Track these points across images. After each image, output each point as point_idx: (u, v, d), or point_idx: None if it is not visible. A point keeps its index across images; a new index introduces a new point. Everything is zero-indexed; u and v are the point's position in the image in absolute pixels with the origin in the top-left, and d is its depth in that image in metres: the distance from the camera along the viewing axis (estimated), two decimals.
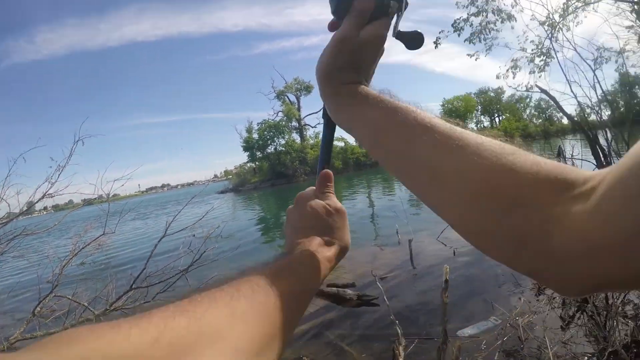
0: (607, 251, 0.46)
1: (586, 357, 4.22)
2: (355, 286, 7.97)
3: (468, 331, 5.21)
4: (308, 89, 72.78)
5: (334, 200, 1.07)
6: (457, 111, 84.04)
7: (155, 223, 28.14)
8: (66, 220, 8.49)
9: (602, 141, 6.43)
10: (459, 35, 13.60)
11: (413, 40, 0.89)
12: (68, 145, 7.19)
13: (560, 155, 6.83)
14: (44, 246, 10.22)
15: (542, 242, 0.52)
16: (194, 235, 8.78)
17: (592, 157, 6.49)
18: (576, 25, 11.36)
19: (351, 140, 70.52)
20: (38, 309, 7.17)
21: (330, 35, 0.87)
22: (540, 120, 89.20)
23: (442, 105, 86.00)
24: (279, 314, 0.60)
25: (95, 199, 8.45)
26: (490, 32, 13.36)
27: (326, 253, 0.89)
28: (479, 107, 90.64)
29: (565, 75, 7.16)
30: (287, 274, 0.74)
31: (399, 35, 0.88)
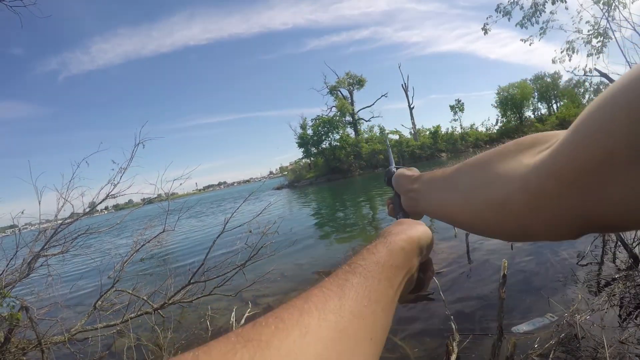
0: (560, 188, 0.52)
1: None
2: None
3: (523, 327, 5.12)
4: (360, 83, 72.64)
5: None
6: (512, 99, 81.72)
7: (212, 220, 28.75)
8: (125, 219, 8.83)
9: None
10: (509, 19, 13.28)
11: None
12: (128, 149, 7.53)
13: None
14: (105, 244, 10.64)
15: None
16: (250, 231, 8.95)
17: None
18: (632, 2, 10.85)
19: (405, 133, 70.28)
20: (99, 302, 7.52)
21: None
22: None
23: (497, 93, 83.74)
24: (358, 323, 0.52)
25: (155, 197, 8.76)
26: (541, 14, 12.98)
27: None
28: (536, 94, 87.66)
29: (624, 56, 6.90)
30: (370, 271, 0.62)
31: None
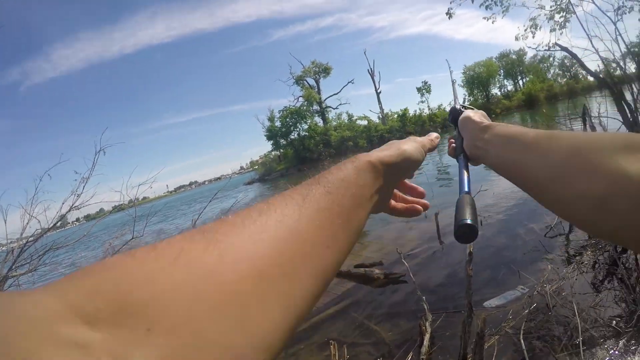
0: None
1: (614, 321, 4.12)
2: (382, 265, 7.96)
3: (495, 302, 5.14)
4: (326, 71, 72.71)
5: None
6: (479, 77, 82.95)
7: (183, 222, 28.51)
8: (96, 230, 8.63)
9: (628, 96, 6.27)
10: (472, 1, 13.37)
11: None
12: (91, 158, 7.30)
13: (585, 114, 6.64)
14: (76, 257, 10.43)
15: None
16: None
17: (618, 114, 6.34)
18: None
19: (374, 117, 70.62)
20: None
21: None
22: (565, 79, 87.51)
23: (463, 73, 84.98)
24: (315, 230, 0.53)
25: (123, 204, 8.57)
26: None
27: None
28: (502, 71, 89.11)
29: (585, 30, 6.96)
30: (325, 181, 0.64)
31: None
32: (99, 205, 8.15)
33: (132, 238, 8.36)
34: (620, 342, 3.79)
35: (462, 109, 1.18)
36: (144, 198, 8.86)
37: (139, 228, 8.38)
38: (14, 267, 6.74)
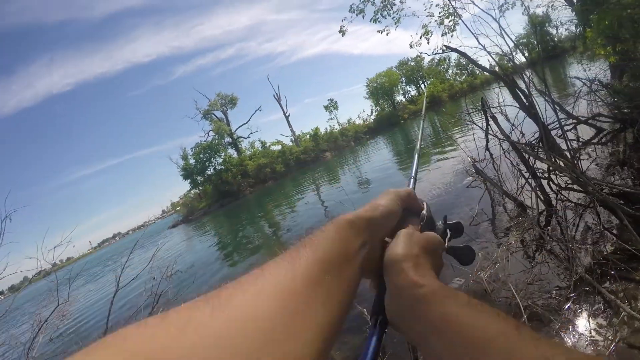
0: None
1: (554, 292, 4.29)
2: None
3: None
4: (233, 102, 72.56)
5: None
6: (382, 87, 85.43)
7: (110, 279, 27.42)
8: (24, 301, 8.14)
9: (522, 85, 6.60)
10: (363, 17, 13.79)
11: (464, 256, 0.96)
12: None
13: (484, 107, 6.96)
14: (3, 335, 9.76)
15: None
16: (153, 278, 8.54)
17: (514, 100, 6.68)
18: None
19: (287, 141, 70.91)
20: None
21: None
22: (464, 77, 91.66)
23: (367, 85, 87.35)
24: (309, 288, 0.54)
25: (48, 269, 8.08)
26: (392, 6, 13.59)
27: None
28: (403, 79, 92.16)
29: (470, 30, 7.34)
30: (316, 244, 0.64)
31: (451, 251, 0.95)
32: (17, 276, 7.62)
33: (58, 305, 7.92)
34: (565, 308, 3.95)
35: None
36: (69, 259, 8.45)
37: (65, 293, 7.97)
38: None
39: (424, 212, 0.94)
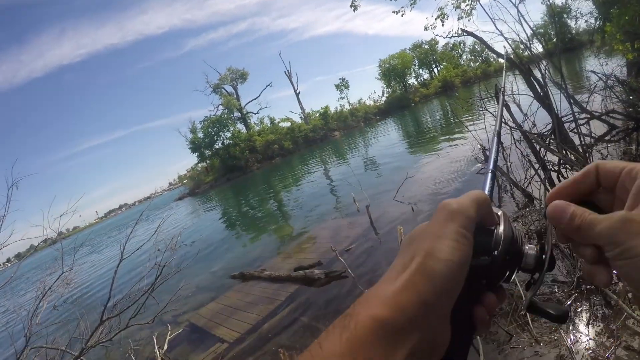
0: None
1: (556, 287, 4.26)
2: (321, 264, 7.95)
3: None
4: (243, 77, 72.06)
5: None
6: (394, 69, 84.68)
7: (114, 249, 27.59)
8: (29, 268, 8.23)
9: (537, 73, 6.50)
10: None
11: (553, 317, 0.58)
12: (3, 193, 6.83)
13: (497, 94, 6.87)
14: (8, 301, 9.86)
15: None
16: (158, 249, 8.58)
17: (529, 90, 6.59)
18: None
19: (296, 118, 70.67)
20: None
21: None
22: (478, 63, 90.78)
23: (379, 66, 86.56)
24: None
25: (54, 237, 8.11)
26: None
27: None
28: (416, 62, 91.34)
29: (488, 15, 7.20)
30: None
31: (532, 308, 0.59)
32: (23, 243, 7.65)
33: (62, 273, 7.97)
34: (567, 305, 3.92)
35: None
36: (75, 228, 8.48)
37: (69, 261, 8.02)
38: None
39: (500, 230, 0.58)
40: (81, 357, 7.14)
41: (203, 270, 11.42)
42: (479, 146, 8.04)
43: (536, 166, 6.32)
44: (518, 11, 6.93)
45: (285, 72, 76.02)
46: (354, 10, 14.12)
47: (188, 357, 6.57)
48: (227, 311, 7.65)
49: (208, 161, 69.06)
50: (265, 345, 5.78)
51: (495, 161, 0.81)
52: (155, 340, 6.55)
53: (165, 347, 6.63)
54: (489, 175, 0.80)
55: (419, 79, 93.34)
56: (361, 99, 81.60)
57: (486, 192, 0.73)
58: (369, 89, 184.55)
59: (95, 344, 7.30)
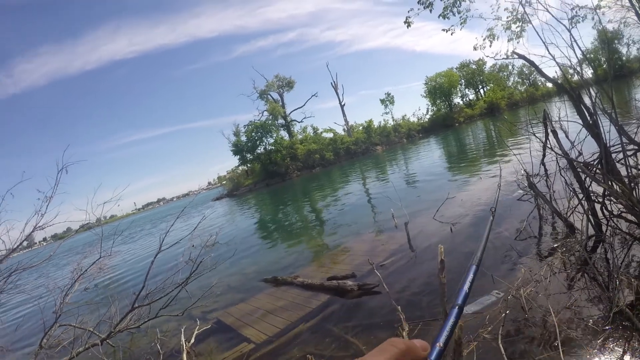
0: None
1: (591, 320, 4.17)
2: (355, 277, 7.94)
3: (471, 308, 5.16)
4: (290, 85, 72.72)
5: None
6: (440, 87, 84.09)
7: (151, 241, 28.03)
8: (67, 248, 8.49)
9: (586, 100, 6.41)
10: (430, 11, 13.55)
11: None
12: (54, 176, 7.09)
13: (546, 119, 6.79)
14: (44, 278, 10.18)
15: None
16: (193, 246, 8.73)
17: (578, 117, 6.48)
18: None
19: (339, 130, 70.82)
20: (45, 341, 7.13)
21: None
22: (525, 86, 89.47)
23: (426, 84, 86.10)
24: None
25: (92, 223, 8.34)
26: (461, 3, 13.31)
27: None
28: (462, 81, 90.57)
29: (541, 38, 7.11)
30: None
31: None
32: (64, 225, 7.91)
33: (100, 257, 8.19)
34: (599, 341, 3.84)
35: None
36: (112, 216, 8.71)
37: (106, 247, 8.23)
38: None
39: None
40: (107, 340, 7.34)
41: (236, 270, 11.56)
42: (522, 171, 7.93)
43: (580, 196, 6.20)
44: (571, 35, 6.83)
45: (331, 83, 76.58)
46: (407, 27, 14.10)
47: (213, 352, 6.63)
48: (257, 313, 7.70)
49: (249, 165, 69.86)
50: (291, 350, 5.80)
51: (481, 258, 0.91)
52: (182, 333, 6.65)
53: (192, 340, 6.75)
54: (472, 269, 0.96)
55: (464, 99, 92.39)
56: (405, 115, 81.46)
57: (465, 289, 0.89)
58: (414, 106, 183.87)
59: (124, 329, 7.50)
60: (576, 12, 10.79)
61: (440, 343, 0.74)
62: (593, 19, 12.31)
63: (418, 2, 13.57)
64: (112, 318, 7.79)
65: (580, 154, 6.22)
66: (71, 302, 8.06)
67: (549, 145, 6.71)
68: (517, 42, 12.43)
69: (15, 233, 7.02)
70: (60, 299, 7.70)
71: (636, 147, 7.80)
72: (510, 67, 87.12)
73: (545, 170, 7.52)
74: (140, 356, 7.27)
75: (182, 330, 6.76)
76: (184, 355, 6.20)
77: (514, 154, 8.62)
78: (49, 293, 8.79)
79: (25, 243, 7.19)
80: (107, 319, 8.02)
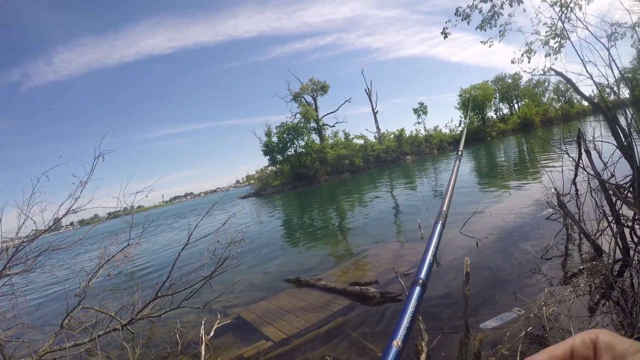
0: None
1: None
2: (378, 283, 7.96)
3: (491, 323, 5.15)
4: (324, 89, 72.84)
5: None
6: (474, 100, 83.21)
7: (178, 233, 28.35)
8: (93, 234, 8.68)
9: (622, 121, 6.33)
10: (468, 23, 13.49)
11: None
12: (90, 162, 7.30)
13: (580, 138, 6.72)
14: (71, 261, 10.41)
15: None
16: (218, 241, 8.85)
17: (612, 138, 6.39)
18: (588, 4, 11.15)
19: (370, 137, 70.69)
20: (66, 321, 7.31)
21: None
22: (560, 103, 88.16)
23: (460, 96, 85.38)
24: None
25: (120, 211, 8.53)
26: (499, 17, 13.22)
27: None
28: (497, 95, 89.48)
29: (579, 56, 7.03)
30: None
31: None
32: (95, 210, 8.09)
33: (128, 245, 8.38)
34: None
35: None
36: (139, 207, 8.87)
37: (135, 235, 8.43)
38: (8, 265, 6.72)
39: None
40: (128, 326, 7.49)
41: (259, 269, 11.69)
42: (553, 190, 7.86)
43: (610, 218, 6.12)
44: (609, 54, 6.74)
45: (365, 89, 76.57)
46: (444, 38, 14.05)
47: (231, 347, 6.72)
48: (277, 312, 7.78)
49: (278, 166, 70.23)
50: (309, 351, 5.85)
51: (428, 275, 1.04)
52: (203, 325, 6.74)
53: (212, 333, 6.86)
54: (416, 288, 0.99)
55: (497, 113, 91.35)
56: (437, 126, 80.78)
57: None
58: (446, 117, 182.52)
59: (145, 317, 7.67)
60: (615, 29, 10.63)
61: (397, 341, 0.82)
62: (632, 37, 12.09)
63: (455, 14, 13.53)
64: (134, 305, 7.97)
65: (612, 175, 6.15)
66: (94, 287, 8.26)
67: (581, 165, 6.63)
68: (555, 58, 12.26)
69: (48, 215, 7.23)
70: (85, 282, 7.90)
71: None
72: (546, 83, 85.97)
73: (576, 190, 7.44)
74: (158, 344, 7.42)
75: (203, 322, 6.86)
76: (202, 348, 6.30)
77: (545, 172, 8.55)
78: (74, 276, 9.02)
79: (53, 225, 7.39)
80: (129, 306, 8.20)
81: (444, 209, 1.46)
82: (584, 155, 6.45)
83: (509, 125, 79.39)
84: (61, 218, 7.44)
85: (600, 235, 6.53)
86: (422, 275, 1.03)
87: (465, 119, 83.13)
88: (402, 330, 0.84)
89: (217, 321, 7.15)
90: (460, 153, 2.04)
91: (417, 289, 0.97)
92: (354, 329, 6.23)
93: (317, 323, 6.83)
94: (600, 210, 6.29)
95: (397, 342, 0.81)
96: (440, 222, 1.37)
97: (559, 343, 0.52)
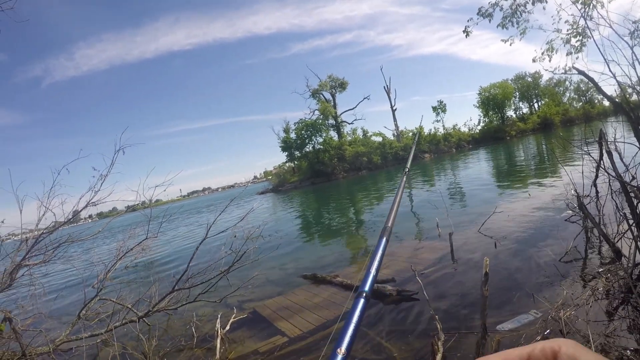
0: None
1: (628, 351, 4.09)
2: (395, 281, 7.96)
3: (508, 325, 5.13)
4: (343, 86, 72.61)
5: None
6: (494, 99, 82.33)
7: (196, 227, 28.54)
8: (110, 227, 8.79)
9: None
10: (489, 21, 13.38)
11: None
12: (110, 156, 7.40)
13: (601, 139, 6.61)
14: (89, 253, 10.55)
15: None
16: (235, 236, 8.91)
17: (635, 139, 6.30)
18: (610, 1, 10.99)
19: (388, 134, 70.43)
20: (84, 312, 7.43)
21: None
22: (581, 103, 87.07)
23: (479, 94, 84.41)
24: None
25: (138, 205, 8.64)
26: (521, 14, 13.09)
27: None
28: (517, 93, 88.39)
29: (602, 55, 6.92)
30: None
31: None
32: (115, 204, 8.22)
33: (146, 238, 8.47)
34: None
35: None
36: (157, 200, 8.95)
37: (153, 229, 8.52)
38: (27, 256, 6.84)
39: None
40: (144, 318, 7.59)
41: (276, 264, 11.77)
42: (572, 192, 7.77)
43: (630, 221, 6.05)
44: (632, 53, 6.63)
45: (384, 87, 76.07)
46: (466, 36, 13.96)
47: (246, 341, 6.76)
48: (293, 308, 7.82)
49: (296, 162, 70.26)
50: (324, 347, 5.85)
51: (371, 288, 1.14)
52: (218, 319, 6.79)
53: (228, 327, 6.93)
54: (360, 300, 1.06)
55: (517, 112, 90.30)
56: (456, 124, 79.95)
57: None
58: (465, 116, 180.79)
59: (162, 309, 7.77)
60: (638, 27, 10.47)
61: (342, 349, 0.90)
62: None
63: (478, 13, 13.42)
64: (151, 298, 8.07)
65: (633, 177, 6.06)
66: (111, 279, 8.38)
67: (602, 167, 6.53)
68: (577, 57, 12.10)
69: (67, 207, 7.35)
70: (103, 274, 8.01)
71: None
72: (567, 82, 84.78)
73: (597, 191, 7.35)
74: (174, 337, 7.50)
75: (219, 316, 6.92)
76: (218, 341, 6.36)
77: (566, 173, 8.46)
78: (92, 267, 9.15)
79: (72, 218, 7.51)
80: (146, 298, 8.31)
81: (389, 224, 1.55)
82: (605, 156, 6.35)
83: (529, 125, 78.38)
84: (81, 210, 7.56)
85: (621, 238, 6.45)
86: (366, 288, 1.13)
87: (484, 117, 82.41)
88: (346, 339, 0.94)
89: (233, 315, 7.21)
90: (406, 170, 2.08)
91: (362, 301, 1.06)
92: (369, 327, 6.23)
93: (333, 319, 6.86)
94: (621, 213, 6.21)
95: (341, 349, 0.90)
96: (385, 237, 1.45)
97: (519, 347, 0.53)
